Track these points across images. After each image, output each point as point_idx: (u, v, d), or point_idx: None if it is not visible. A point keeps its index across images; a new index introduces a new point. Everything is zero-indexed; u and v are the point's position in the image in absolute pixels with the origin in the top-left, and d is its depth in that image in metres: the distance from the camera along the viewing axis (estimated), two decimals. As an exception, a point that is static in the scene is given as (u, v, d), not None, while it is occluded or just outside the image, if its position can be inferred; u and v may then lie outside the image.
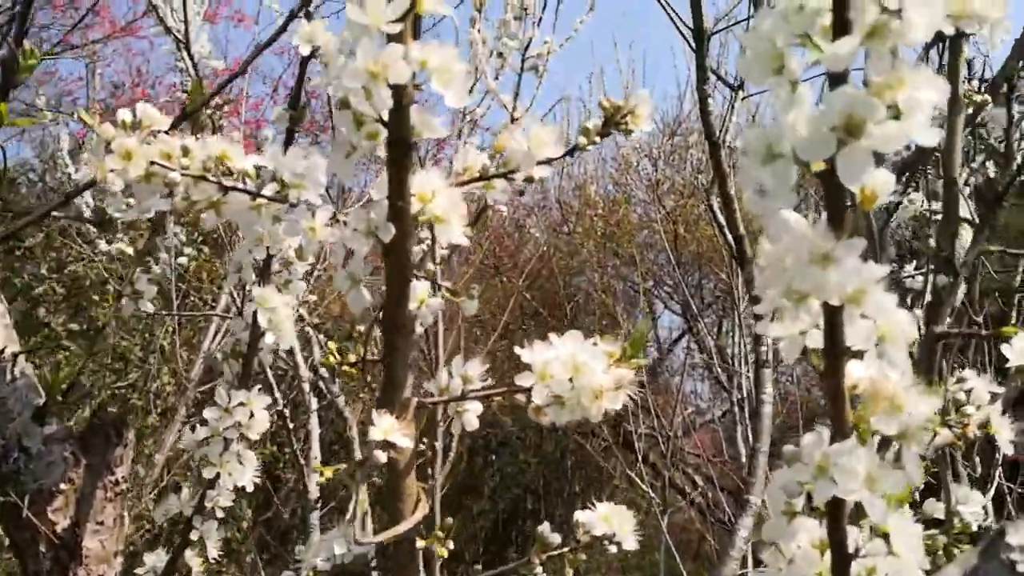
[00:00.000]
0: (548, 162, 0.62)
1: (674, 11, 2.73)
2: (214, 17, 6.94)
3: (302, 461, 2.87)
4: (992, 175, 1.76)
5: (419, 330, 3.30)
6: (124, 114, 0.58)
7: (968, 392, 0.65)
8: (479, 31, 4.60)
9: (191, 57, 3.95)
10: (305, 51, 0.79)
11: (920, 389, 0.45)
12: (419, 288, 0.66)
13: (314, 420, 2.94)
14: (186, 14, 3.85)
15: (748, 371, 3.56)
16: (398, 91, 0.49)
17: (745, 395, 3.67)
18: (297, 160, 0.60)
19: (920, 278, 1.22)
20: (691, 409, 6.27)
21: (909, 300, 1.65)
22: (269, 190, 0.61)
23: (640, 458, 4.68)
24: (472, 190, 0.65)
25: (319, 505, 2.66)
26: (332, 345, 0.67)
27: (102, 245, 3.82)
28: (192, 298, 4.63)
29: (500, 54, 4.52)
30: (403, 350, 0.60)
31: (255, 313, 0.76)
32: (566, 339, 0.64)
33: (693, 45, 2.63)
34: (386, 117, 0.50)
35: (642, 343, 0.63)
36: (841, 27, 0.36)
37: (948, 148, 0.66)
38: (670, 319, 7.12)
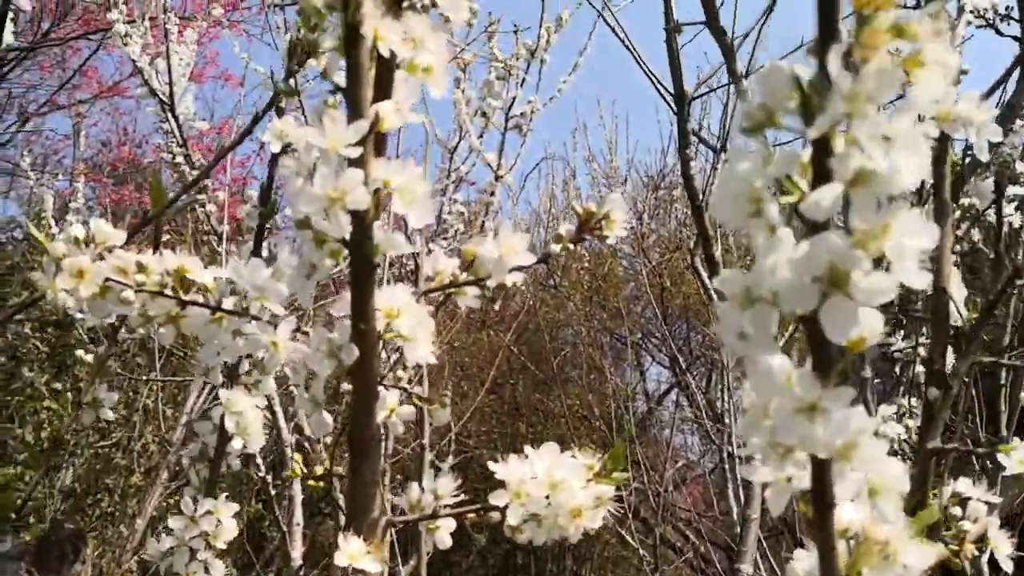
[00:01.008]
0: (520, 269, 0.60)
1: (656, 77, 2.74)
2: (201, 77, 6.97)
3: (284, 527, 2.81)
4: (977, 242, 1.75)
5: (406, 386, 3.25)
6: (76, 230, 0.55)
7: (964, 502, 0.62)
8: (463, 91, 4.63)
9: (176, 119, 3.94)
10: (275, 148, 0.77)
11: (915, 532, 0.42)
12: (389, 398, 0.63)
13: (296, 485, 2.89)
14: (171, 76, 3.85)
15: (737, 425, 3.53)
16: (360, 215, 0.47)
17: (735, 449, 3.64)
18: (258, 272, 0.57)
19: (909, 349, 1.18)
20: (681, 462, 6.22)
21: (898, 369, 1.63)
22: (230, 303, 0.58)
23: (631, 513, 4.62)
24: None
25: (301, 572, 2.60)
26: (298, 456, 0.63)
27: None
28: (176, 356, 4.58)
29: (484, 113, 4.54)
30: (369, 468, 0.56)
31: (223, 416, 0.73)
32: (543, 452, 0.61)
33: (675, 109, 2.64)
34: (347, 237, 0.48)
35: (622, 458, 0.60)
36: (822, 175, 0.34)
37: (938, 256, 0.64)
38: (658, 372, 7.10)
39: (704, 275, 2.72)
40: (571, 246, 0.63)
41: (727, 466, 3.67)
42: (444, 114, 4.24)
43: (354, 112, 0.47)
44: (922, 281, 0.35)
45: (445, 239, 4.55)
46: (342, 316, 0.52)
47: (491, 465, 0.59)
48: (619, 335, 6.69)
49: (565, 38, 4.41)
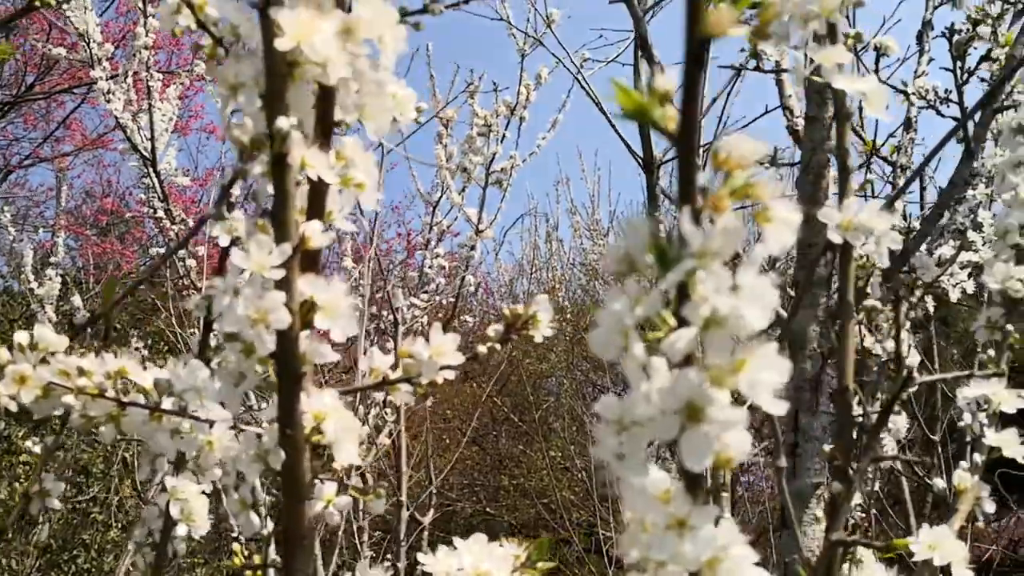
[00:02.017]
0: (450, 368, 0.63)
1: (627, 141, 2.80)
2: (185, 129, 7.04)
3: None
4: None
5: (385, 441, 3.26)
6: (21, 336, 0.58)
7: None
8: (445, 147, 4.69)
9: (157, 175, 3.97)
10: (224, 242, 0.80)
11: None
12: (326, 489, 0.66)
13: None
14: (152, 132, 3.89)
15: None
16: (286, 329, 0.50)
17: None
18: (195, 374, 0.60)
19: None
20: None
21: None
22: (170, 403, 0.61)
23: (612, 565, 4.61)
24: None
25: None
26: (236, 547, 0.66)
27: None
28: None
29: (465, 169, 4.61)
30: (300, 563, 0.59)
31: (168, 502, 0.75)
32: (471, 544, 0.63)
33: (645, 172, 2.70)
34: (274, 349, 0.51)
35: (546, 550, 0.63)
36: (680, 320, 0.37)
37: (842, 355, 0.68)
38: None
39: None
40: (498, 346, 0.67)
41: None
42: (427, 169, 4.29)
43: (280, 235, 0.51)
44: (778, 409, 0.39)
45: (426, 292, 4.59)
46: (270, 421, 0.55)
47: (420, 556, 0.62)
48: (601, 386, 6.72)
49: (544, 94, 4.50)
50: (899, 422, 1.71)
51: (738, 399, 0.39)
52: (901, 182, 2.09)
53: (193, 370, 0.60)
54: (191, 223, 4.09)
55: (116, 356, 0.60)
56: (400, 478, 3.53)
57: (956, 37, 1.26)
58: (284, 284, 0.50)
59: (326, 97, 0.54)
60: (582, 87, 3.61)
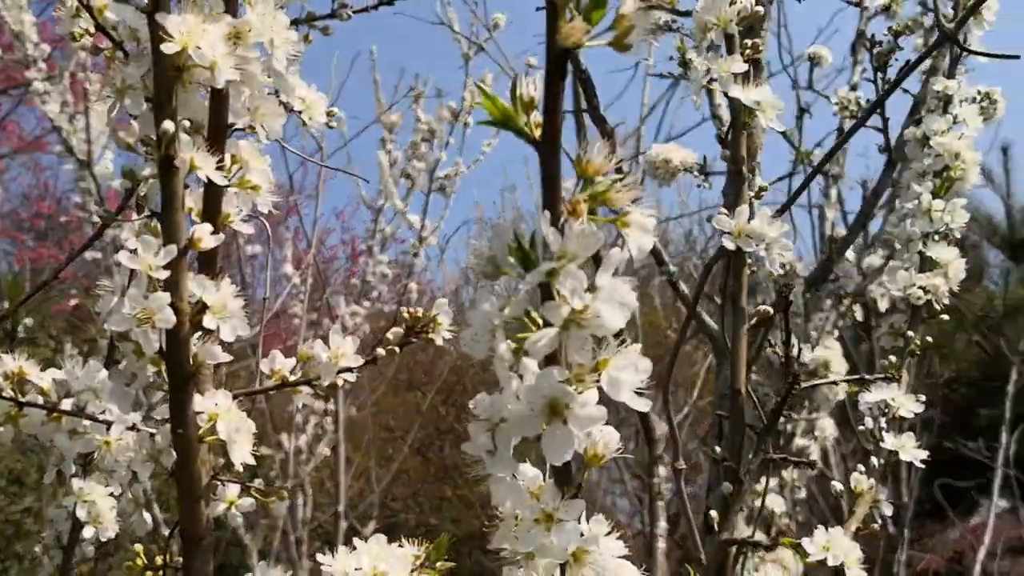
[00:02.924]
0: (349, 371, 0.64)
1: (572, 158, 2.82)
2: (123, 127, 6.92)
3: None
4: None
5: (325, 451, 3.22)
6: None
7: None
8: (389, 152, 4.68)
9: (94, 178, 3.91)
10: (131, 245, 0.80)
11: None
12: (229, 491, 0.66)
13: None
14: (89, 135, 3.83)
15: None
16: (175, 329, 0.51)
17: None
18: (93, 375, 0.60)
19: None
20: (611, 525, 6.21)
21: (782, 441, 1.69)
22: (68, 403, 0.61)
23: None
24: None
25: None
26: (139, 547, 0.66)
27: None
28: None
29: (408, 175, 4.60)
30: (198, 563, 0.59)
31: (76, 505, 0.74)
32: (371, 545, 0.64)
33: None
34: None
35: (444, 549, 0.64)
36: (544, 321, 0.38)
37: (735, 359, 0.69)
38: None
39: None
40: (397, 349, 0.67)
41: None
42: (371, 174, 4.27)
43: (168, 236, 0.51)
44: (642, 405, 0.40)
45: (369, 300, 4.56)
46: (162, 420, 0.55)
47: (319, 557, 0.62)
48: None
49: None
50: (826, 426, 1.74)
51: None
52: (833, 192, 2.13)
53: (90, 371, 0.60)
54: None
55: (15, 358, 0.59)
56: (339, 488, 3.50)
57: (877, 49, 1.30)
58: (171, 285, 0.50)
59: (218, 101, 0.54)
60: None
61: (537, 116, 0.40)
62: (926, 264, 0.85)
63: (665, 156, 1.52)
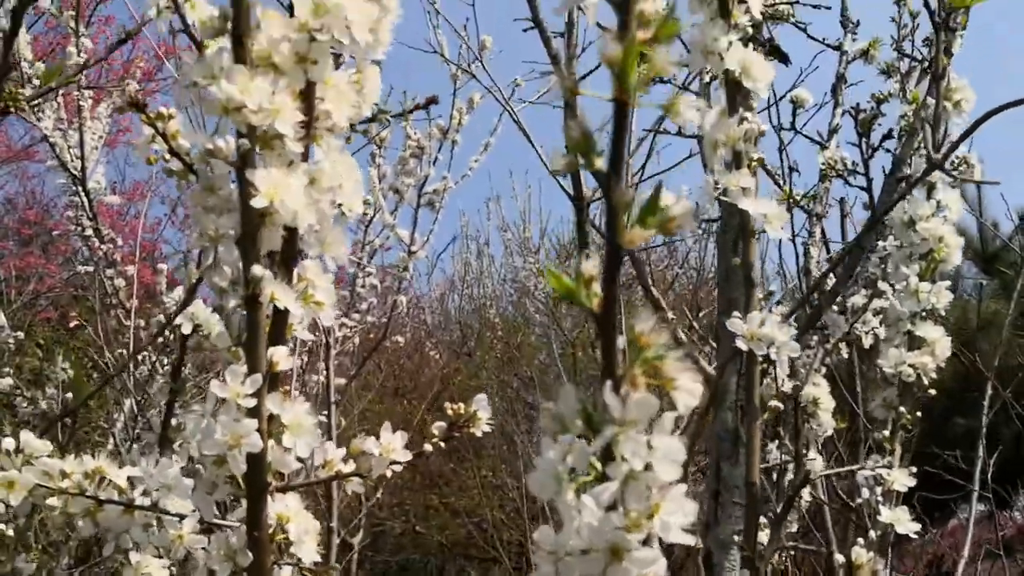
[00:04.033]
0: (397, 463, 0.70)
1: (559, 180, 2.88)
2: (114, 143, 6.94)
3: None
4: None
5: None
6: (8, 443, 0.64)
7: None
8: (379, 167, 4.73)
9: (87, 193, 3.94)
10: (187, 330, 0.86)
11: None
12: (282, 574, 0.72)
13: None
14: (83, 151, 3.86)
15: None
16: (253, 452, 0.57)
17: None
18: (165, 471, 0.66)
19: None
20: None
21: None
22: (142, 498, 0.67)
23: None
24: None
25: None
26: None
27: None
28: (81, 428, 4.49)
29: (397, 190, 4.65)
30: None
31: None
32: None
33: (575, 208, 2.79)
34: (244, 468, 0.57)
35: None
36: (603, 476, 0.45)
37: (749, 452, 0.76)
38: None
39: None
40: (443, 443, 0.74)
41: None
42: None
43: (252, 365, 0.57)
44: (687, 540, 0.47)
45: (358, 312, 4.61)
46: (238, 523, 0.61)
47: None
48: (533, 404, 6.79)
49: (477, 115, 4.57)
50: (816, 465, 1.81)
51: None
52: (817, 232, 2.20)
53: (163, 468, 0.66)
54: (119, 240, 4.06)
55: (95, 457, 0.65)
56: (331, 505, 3.55)
57: (861, 115, 1.37)
58: (255, 410, 0.57)
59: (291, 234, 0.61)
60: (513, 120, 3.65)
61: (596, 288, 0.47)
62: (914, 342, 0.93)
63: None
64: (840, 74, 2.28)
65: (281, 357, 0.59)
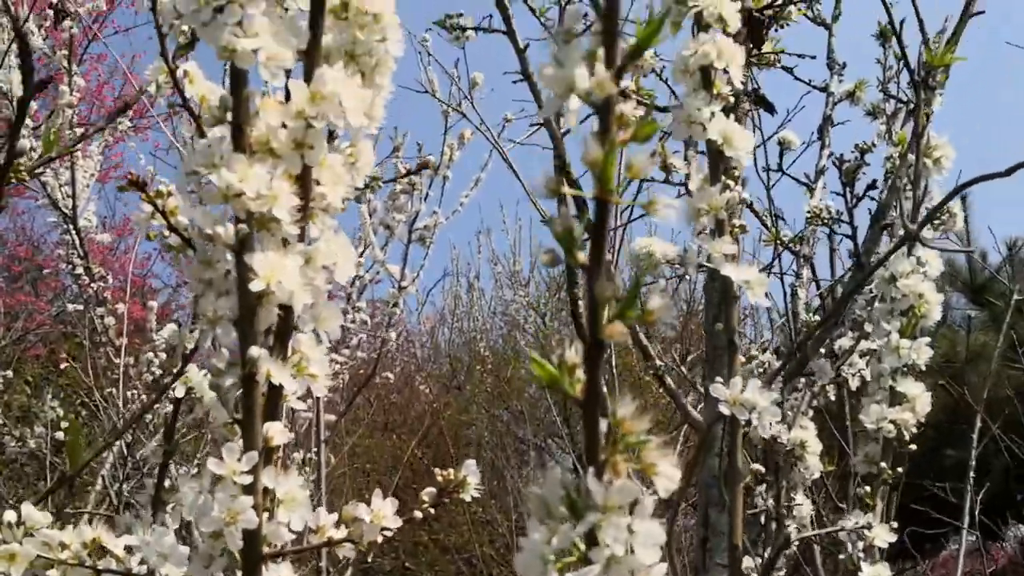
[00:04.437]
0: (388, 530, 0.71)
1: (548, 222, 2.90)
2: (104, 178, 6.97)
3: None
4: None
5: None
6: (9, 515, 0.65)
7: None
8: (369, 202, 4.76)
9: (78, 232, 3.95)
10: (180, 393, 0.88)
11: None
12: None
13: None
14: (74, 190, 3.87)
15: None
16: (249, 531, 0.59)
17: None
18: (161, 540, 0.68)
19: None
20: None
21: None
22: (140, 567, 0.68)
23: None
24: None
25: None
26: None
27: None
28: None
29: (388, 226, 4.68)
30: None
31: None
32: None
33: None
34: (240, 545, 0.59)
35: None
36: (586, 559, 0.47)
37: (732, 515, 0.78)
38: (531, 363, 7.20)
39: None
40: (432, 510, 0.75)
41: None
42: (351, 221, 4.31)
43: (248, 442, 0.59)
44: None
45: (347, 348, 4.62)
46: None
47: None
48: (523, 438, 6.79)
49: (467, 149, 4.62)
50: (803, 510, 1.83)
51: None
52: (805, 273, 2.23)
53: (159, 536, 0.68)
54: (109, 276, 4.07)
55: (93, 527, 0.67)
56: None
57: (845, 165, 1.41)
58: (251, 486, 0.58)
59: (287, 312, 0.63)
60: (503, 159, 3.68)
61: (580, 375, 0.49)
62: (895, 398, 0.95)
63: (648, 249, 1.62)
64: (827, 116, 2.32)
65: (276, 433, 0.61)
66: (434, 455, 6.61)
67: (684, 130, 0.81)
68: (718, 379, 0.75)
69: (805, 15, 2.26)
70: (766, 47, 1.94)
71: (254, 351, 0.58)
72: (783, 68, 2.21)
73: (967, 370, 5.64)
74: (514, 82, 1.69)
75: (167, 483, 0.86)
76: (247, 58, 0.58)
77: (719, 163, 0.81)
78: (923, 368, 0.98)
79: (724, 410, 0.74)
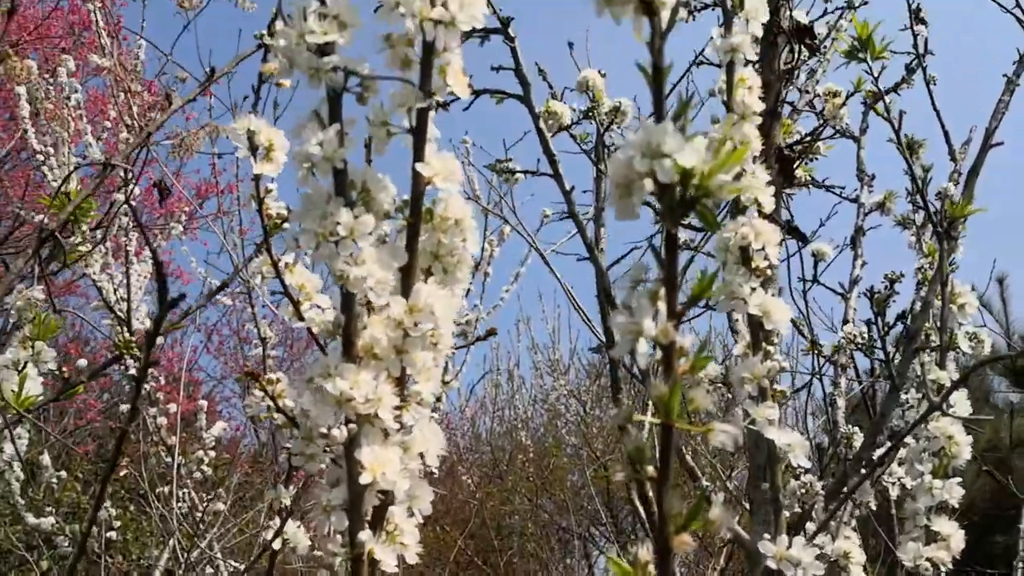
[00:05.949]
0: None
1: (593, 330, 3.00)
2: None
3: None
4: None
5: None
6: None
7: None
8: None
9: (132, 334, 4.10)
10: (276, 546, 0.97)
11: None
12: None
13: None
14: (129, 294, 4.03)
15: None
16: None
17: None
18: None
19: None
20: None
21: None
22: None
23: None
24: None
25: None
26: None
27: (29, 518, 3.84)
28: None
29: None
30: None
31: None
32: None
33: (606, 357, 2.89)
34: None
35: None
36: None
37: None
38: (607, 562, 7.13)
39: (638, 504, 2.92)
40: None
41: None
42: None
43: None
44: None
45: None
46: None
47: None
48: (566, 527, 6.78)
49: (507, 244, 4.76)
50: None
51: None
52: (842, 382, 2.30)
53: None
54: (160, 377, 4.19)
55: None
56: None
57: (876, 295, 1.49)
58: None
59: (385, 494, 0.72)
60: (542, 259, 3.78)
61: (651, 570, 0.57)
62: (930, 536, 1.02)
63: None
64: (858, 226, 2.41)
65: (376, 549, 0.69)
66: (477, 546, 6.62)
67: (727, 304, 0.90)
68: (766, 536, 0.83)
69: (835, 128, 2.37)
70: (798, 172, 2.05)
71: (363, 536, 0.67)
72: (814, 184, 2.31)
73: (1012, 456, 5.60)
74: (561, 218, 1.80)
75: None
76: (358, 284, 0.68)
77: (759, 333, 0.91)
78: (955, 506, 1.05)
79: (771, 564, 0.82)
